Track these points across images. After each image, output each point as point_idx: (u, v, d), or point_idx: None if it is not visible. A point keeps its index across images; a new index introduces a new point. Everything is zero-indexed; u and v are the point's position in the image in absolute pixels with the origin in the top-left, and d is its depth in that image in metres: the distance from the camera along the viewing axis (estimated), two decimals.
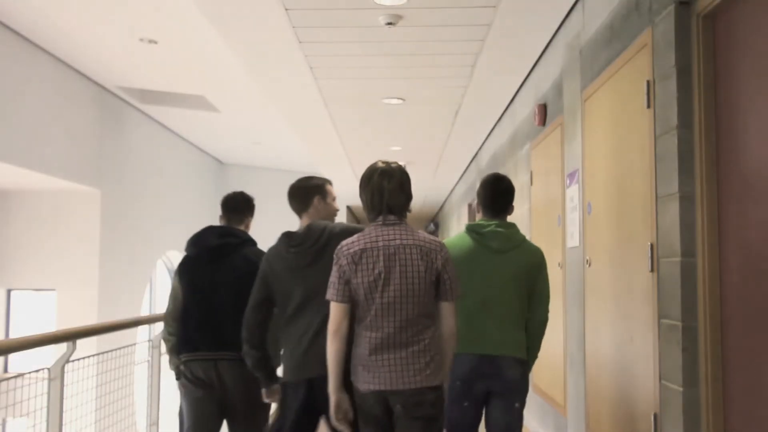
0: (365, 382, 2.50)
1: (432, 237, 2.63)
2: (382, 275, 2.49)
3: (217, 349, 3.11)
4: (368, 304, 2.51)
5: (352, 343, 2.57)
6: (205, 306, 3.17)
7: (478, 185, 3.21)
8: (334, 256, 2.58)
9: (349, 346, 2.55)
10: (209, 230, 3.33)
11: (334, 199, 3.13)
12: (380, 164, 2.67)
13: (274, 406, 3.16)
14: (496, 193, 3.11)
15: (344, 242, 2.59)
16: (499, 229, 3.01)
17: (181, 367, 3.18)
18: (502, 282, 2.98)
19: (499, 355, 2.95)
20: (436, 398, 2.51)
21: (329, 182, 3.19)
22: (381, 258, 2.51)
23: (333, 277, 2.56)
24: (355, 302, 2.54)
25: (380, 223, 2.58)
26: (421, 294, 2.51)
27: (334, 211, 3.11)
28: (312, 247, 2.83)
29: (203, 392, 3.11)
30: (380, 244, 2.53)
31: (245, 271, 3.11)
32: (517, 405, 3.00)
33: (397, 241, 2.53)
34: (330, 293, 2.55)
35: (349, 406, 2.55)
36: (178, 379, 3.22)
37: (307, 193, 3.05)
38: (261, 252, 3.17)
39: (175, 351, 3.24)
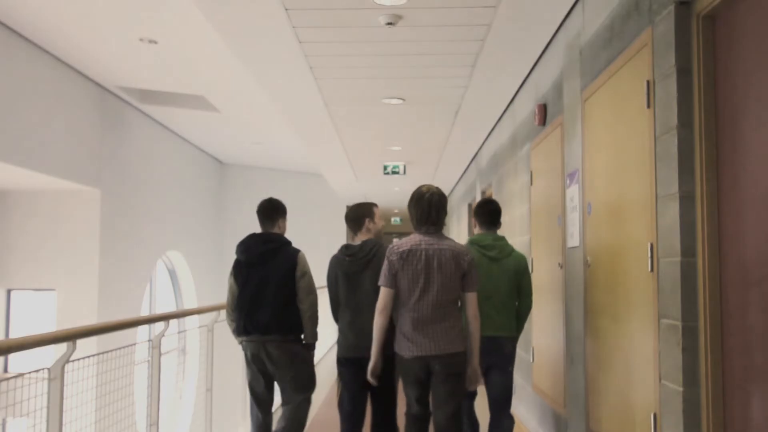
0: (409, 350, 3.35)
1: (460, 244, 3.49)
2: (423, 271, 3.35)
3: (264, 333, 3.97)
4: (410, 292, 3.36)
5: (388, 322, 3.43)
6: (254, 299, 4.01)
7: (475, 204, 4.33)
8: (387, 253, 3.42)
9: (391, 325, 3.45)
10: (253, 238, 4.14)
11: (379, 217, 4.10)
12: (424, 189, 3.53)
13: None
14: (490, 212, 4.15)
15: (395, 243, 3.44)
16: (495, 242, 4.05)
17: (242, 346, 4.10)
18: (498, 281, 4.00)
19: (499, 335, 3.97)
20: (462, 360, 3.38)
21: (375, 205, 4.14)
22: (423, 258, 3.37)
23: (384, 269, 3.42)
24: (398, 290, 3.39)
25: (423, 231, 3.46)
26: (452, 286, 3.37)
27: (380, 227, 4.12)
28: (363, 258, 3.84)
29: (256, 366, 4.03)
30: (422, 247, 3.39)
31: (285, 269, 4.01)
32: (510, 369, 4.09)
33: (435, 246, 3.40)
34: (381, 280, 3.42)
35: (380, 368, 3.48)
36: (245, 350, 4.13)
37: (359, 217, 4.03)
38: (296, 251, 4.10)
39: (236, 334, 4.14)
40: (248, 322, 3.99)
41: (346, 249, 3.95)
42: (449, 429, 3.41)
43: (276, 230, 4.18)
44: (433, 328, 3.34)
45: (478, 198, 8.93)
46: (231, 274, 4.14)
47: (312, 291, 4.06)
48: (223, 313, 5.38)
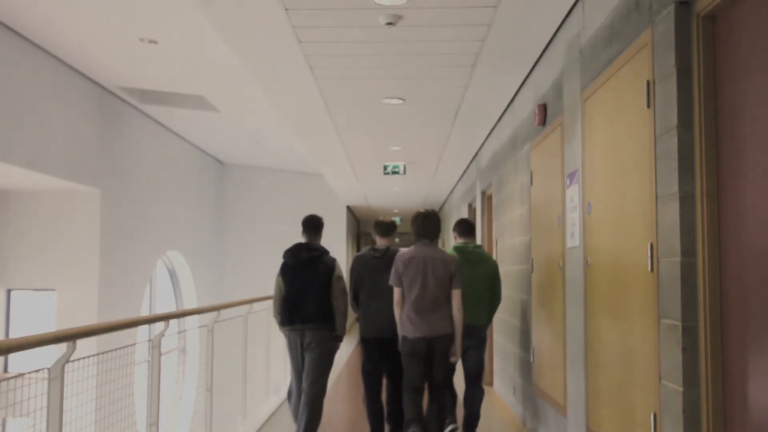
0: (414, 332, 4.56)
1: (449, 253, 4.77)
2: (421, 274, 4.57)
3: (304, 323, 4.99)
4: (411, 290, 4.57)
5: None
6: (298, 296, 5.00)
7: (454, 223, 5.58)
8: (395, 260, 4.68)
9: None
10: (299, 246, 5.18)
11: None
12: (421, 211, 4.83)
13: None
14: (468, 227, 5.47)
15: (400, 253, 4.73)
16: (474, 250, 5.26)
17: (285, 333, 5.13)
18: (476, 281, 5.12)
19: (475, 324, 5.09)
20: (450, 339, 4.62)
21: (397, 225, 5.46)
22: (420, 264, 4.60)
23: (392, 272, 4.66)
24: (403, 287, 4.60)
25: (420, 244, 4.71)
26: (443, 285, 4.59)
27: (395, 240, 5.41)
28: (389, 260, 4.89)
29: (295, 347, 5.06)
30: (420, 256, 4.63)
31: (324, 273, 5.04)
32: (483, 349, 5.27)
33: (430, 255, 4.63)
34: (391, 281, 4.67)
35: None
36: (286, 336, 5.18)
37: (392, 230, 5.30)
38: (333, 259, 5.15)
39: (281, 324, 5.13)
40: (293, 314, 4.99)
41: (374, 251, 5.14)
42: (442, 386, 4.70)
43: (318, 241, 5.25)
44: (430, 317, 4.55)
45: (479, 198, 8.94)
46: (279, 274, 5.14)
47: (345, 292, 5.09)
48: (223, 313, 5.64)
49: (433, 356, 4.58)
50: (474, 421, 5.27)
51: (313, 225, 5.28)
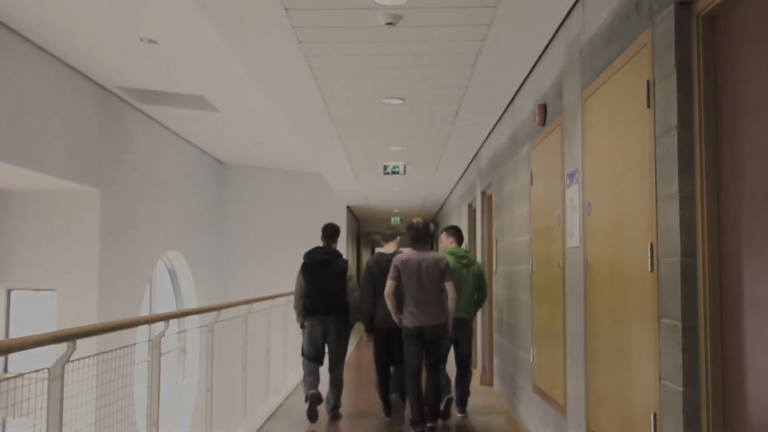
0: (412, 322, 5.55)
1: (439, 254, 5.78)
2: (416, 272, 5.53)
3: (327, 314, 6.22)
4: (408, 286, 5.54)
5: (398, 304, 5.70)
6: (318, 291, 6.20)
7: (442, 230, 6.48)
8: (393, 261, 5.66)
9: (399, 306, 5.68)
10: (317, 249, 6.38)
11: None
12: (414, 221, 5.83)
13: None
14: (459, 233, 6.57)
15: (397, 256, 5.70)
16: (465, 254, 6.41)
17: (305, 323, 6.28)
18: (465, 281, 6.27)
19: (464, 317, 6.28)
20: (445, 329, 5.64)
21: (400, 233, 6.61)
22: (415, 264, 5.55)
23: (391, 270, 5.61)
24: (402, 284, 5.56)
25: (415, 248, 5.70)
26: (435, 281, 5.57)
27: (398, 245, 6.53)
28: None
29: (318, 336, 6.25)
30: (414, 258, 5.60)
31: (338, 272, 6.23)
32: (471, 339, 6.46)
33: (423, 257, 5.60)
34: (389, 276, 5.61)
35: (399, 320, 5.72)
36: (302, 327, 6.39)
37: (395, 236, 6.44)
38: (346, 261, 6.36)
39: (301, 315, 6.32)
40: (316, 305, 6.17)
41: (383, 255, 6.22)
42: (435, 368, 5.68)
43: (334, 245, 6.39)
44: (425, 308, 5.52)
45: (479, 198, 8.95)
46: (299, 273, 6.30)
47: (356, 289, 6.23)
48: (223, 313, 5.71)
49: (424, 340, 5.57)
50: (466, 397, 6.52)
51: (328, 232, 6.46)
